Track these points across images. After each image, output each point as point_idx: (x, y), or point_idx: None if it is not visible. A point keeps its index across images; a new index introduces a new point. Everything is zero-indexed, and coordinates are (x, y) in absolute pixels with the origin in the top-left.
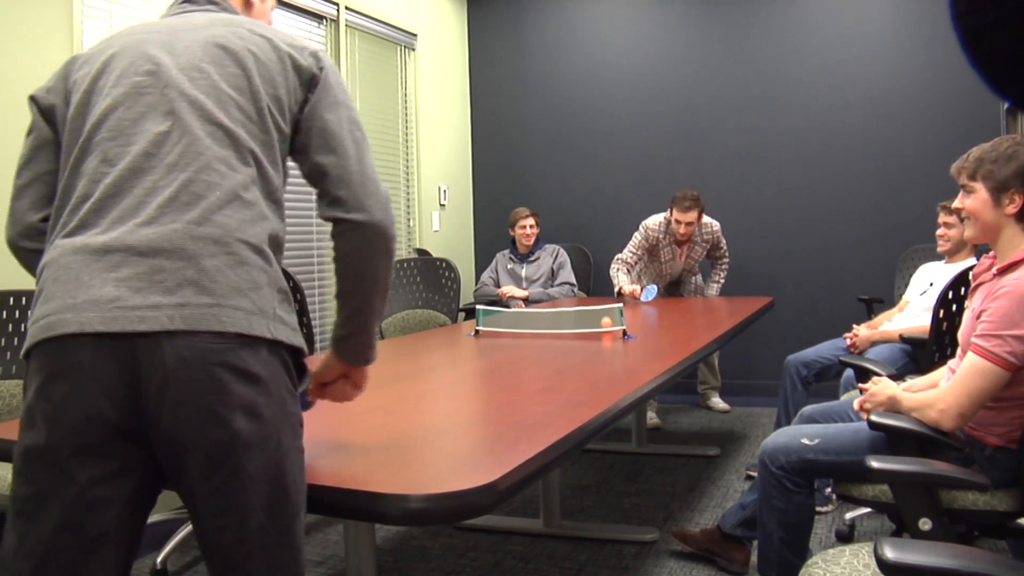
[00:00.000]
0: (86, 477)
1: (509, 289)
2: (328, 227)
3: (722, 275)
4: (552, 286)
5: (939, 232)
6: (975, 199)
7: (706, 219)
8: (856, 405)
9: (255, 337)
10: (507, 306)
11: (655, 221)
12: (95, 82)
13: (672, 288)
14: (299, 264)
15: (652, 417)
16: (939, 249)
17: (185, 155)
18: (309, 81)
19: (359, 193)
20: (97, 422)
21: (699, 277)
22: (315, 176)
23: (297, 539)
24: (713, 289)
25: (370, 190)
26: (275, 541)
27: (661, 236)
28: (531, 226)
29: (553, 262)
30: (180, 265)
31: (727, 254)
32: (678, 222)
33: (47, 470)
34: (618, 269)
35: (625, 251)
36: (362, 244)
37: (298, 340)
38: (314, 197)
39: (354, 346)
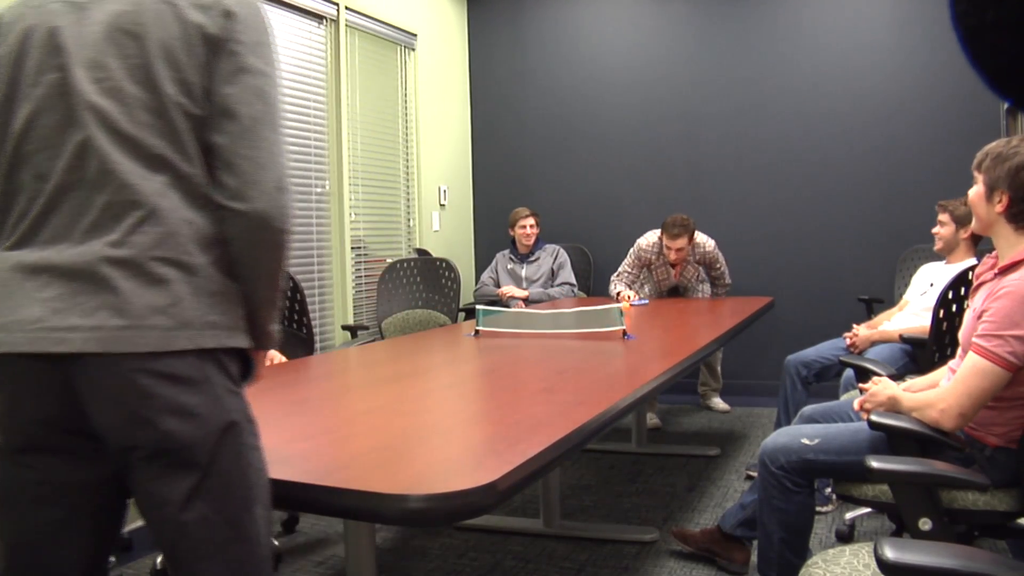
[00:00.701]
0: (40, 469)
1: (509, 289)
2: (328, 225)
3: (722, 292)
4: (552, 286)
5: (934, 230)
6: (975, 191)
7: (700, 238)
8: (856, 405)
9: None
10: (507, 306)
11: (648, 241)
12: (15, 71)
13: (673, 292)
14: (299, 263)
15: (652, 417)
16: (935, 248)
17: (101, 172)
18: (215, 47)
19: (244, 180)
20: (43, 424)
21: (707, 286)
22: (208, 157)
23: (251, 531)
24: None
25: (256, 177)
26: (225, 534)
27: (654, 257)
28: (531, 226)
29: (553, 262)
30: (98, 288)
31: (726, 275)
32: (668, 248)
33: (3, 465)
34: (615, 285)
35: (621, 268)
36: (244, 235)
37: (233, 340)
38: (313, 197)
39: (256, 328)
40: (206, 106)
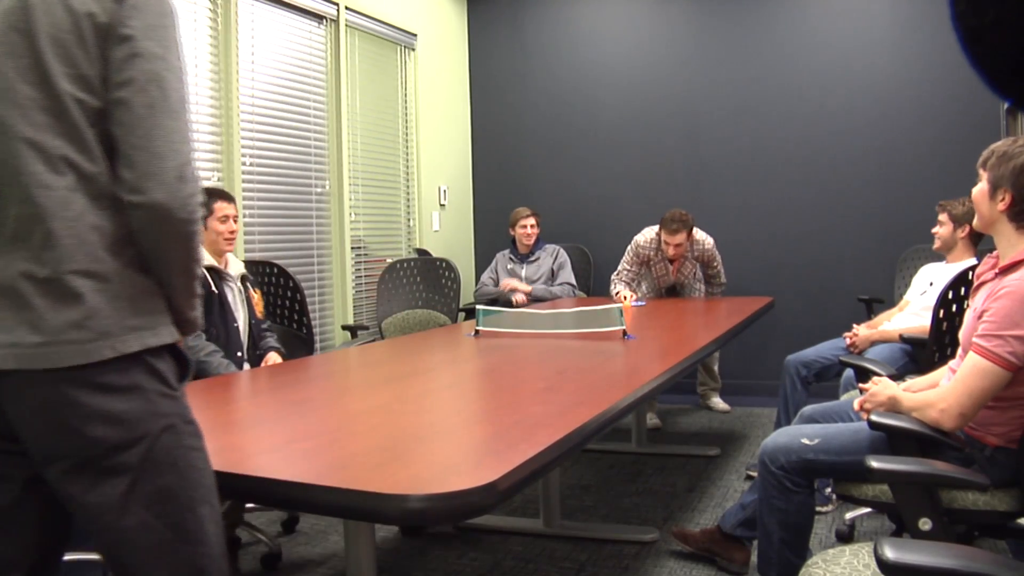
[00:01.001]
0: None
1: (512, 282)
2: (328, 225)
3: (717, 292)
4: (554, 284)
5: (933, 230)
6: (979, 188)
7: (699, 235)
8: (856, 406)
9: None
10: (509, 301)
11: (645, 238)
12: None
13: (671, 292)
14: (299, 263)
15: (652, 417)
16: (934, 247)
17: (10, 184)
18: (106, 35)
19: (140, 172)
20: None
21: (703, 285)
22: (111, 151)
23: (197, 533)
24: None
25: (153, 168)
26: (168, 538)
27: (652, 253)
28: (532, 226)
29: (553, 262)
30: (16, 305)
31: (721, 274)
32: (667, 243)
33: None
34: (615, 285)
35: (620, 267)
36: (147, 228)
37: (158, 338)
38: (313, 197)
39: (176, 313)
40: (104, 97)
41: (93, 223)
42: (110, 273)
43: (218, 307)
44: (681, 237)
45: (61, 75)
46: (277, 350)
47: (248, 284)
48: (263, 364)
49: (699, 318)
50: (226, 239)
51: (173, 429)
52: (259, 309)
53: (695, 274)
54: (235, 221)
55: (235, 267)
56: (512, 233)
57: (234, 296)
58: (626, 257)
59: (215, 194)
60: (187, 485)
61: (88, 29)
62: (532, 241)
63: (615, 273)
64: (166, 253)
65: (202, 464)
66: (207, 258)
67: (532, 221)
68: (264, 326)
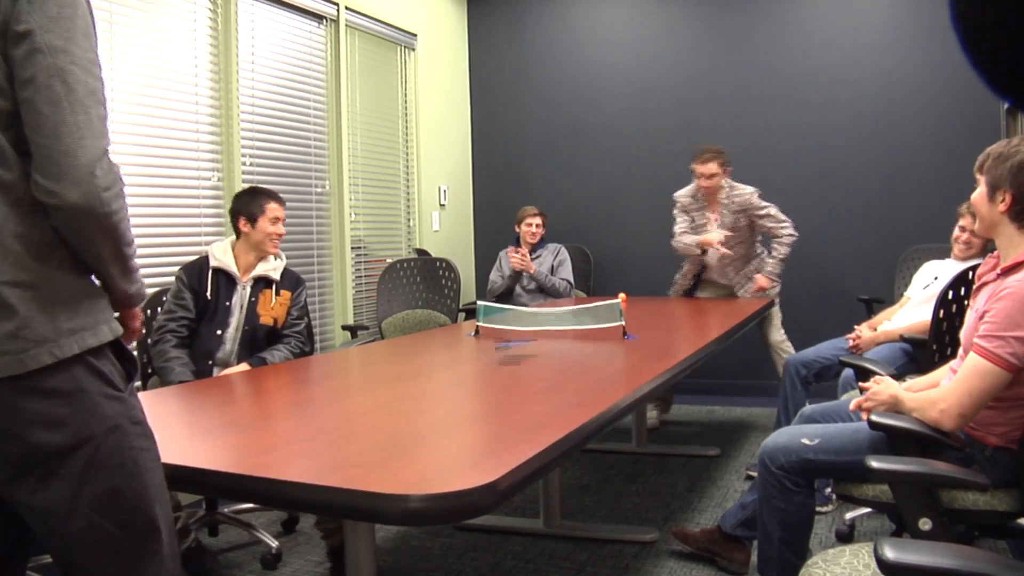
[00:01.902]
0: None
1: (522, 256)
2: (328, 225)
3: (781, 249)
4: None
5: (955, 234)
6: (978, 192)
7: (739, 185)
8: (853, 405)
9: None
10: (517, 275)
11: (684, 188)
12: None
13: (709, 287)
14: (299, 263)
15: (652, 417)
16: (957, 252)
17: None
18: (6, 33)
19: (51, 173)
20: None
21: (752, 266)
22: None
23: (145, 534)
24: (769, 265)
25: (64, 168)
26: (118, 539)
27: (690, 200)
28: (537, 225)
29: (553, 259)
30: None
31: (785, 224)
32: (699, 175)
33: None
34: (681, 240)
35: (676, 230)
36: (69, 227)
37: (98, 336)
38: (313, 197)
39: (116, 291)
40: (13, 99)
41: (15, 231)
42: (39, 280)
43: (210, 313)
44: (714, 167)
45: None
46: (261, 360)
47: (268, 289)
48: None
49: (699, 318)
50: (274, 243)
51: (119, 430)
52: (268, 316)
53: (748, 240)
54: (284, 224)
55: (259, 270)
56: (517, 230)
57: (236, 302)
58: (675, 218)
59: (266, 195)
60: (136, 486)
61: None
62: (536, 240)
63: (674, 239)
64: (94, 248)
65: (151, 464)
66: (222, 260)
67: (538, 220)
68: (287, 331)
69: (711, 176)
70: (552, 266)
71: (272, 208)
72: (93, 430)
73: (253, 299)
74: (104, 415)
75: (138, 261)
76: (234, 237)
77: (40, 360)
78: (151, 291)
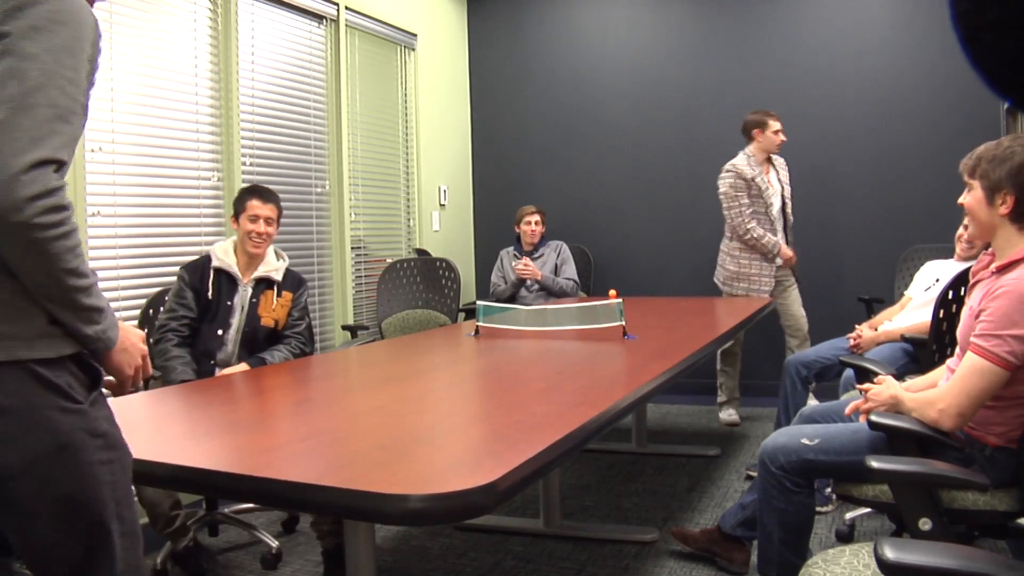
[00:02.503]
0: None
1: (526, 265)
2: (328, 225)
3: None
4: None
5: (959, 232)
6: (972, 197)
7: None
8: (850, 409)
9: None
10: (522, 282)
11: (736, 163)
12: None
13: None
14: (299, 263)
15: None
16: (960, 251)
17: None
18: None
19: None
20: None
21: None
22: None
23: (109, 549)
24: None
25: None
26: (79, 556)
27: (746, 168)
28: (536, 223)
29: (556, 258)
30: None
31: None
32: (778, 133)
33: None
34: (760, 225)
35: (741, 213)
36: None
37: (34, 350)
38: (313, 197)
39: (71, 331)
40: None
41: None
42: None
43: (211, 313)
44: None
45: None
46: (260, 360)
47: (270, 290)
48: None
49: (699, 318)
50: (253, 241)
51: (72, 447)
52: (270, 317)
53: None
54: (269, 224)
55: (259, 271)
56: (517, 230)
57: (237, 303)
58: (736, 200)
59: (252, 192)
60: (94, 502)
61: None
62: (537, 239)
63: (744, 222)
64: (15, 263)
65: (110, 478)
66: (223, 260)
67: (537, 218)
68: (288, 331)
69: (782, 132)
70: (556, 265)
71: (252, 206)
72: (45, 446)
73: (255, 300)
74: (57, 431)
75: (104, 288)
76: (234, 239)
77: None
78: (151, 291)
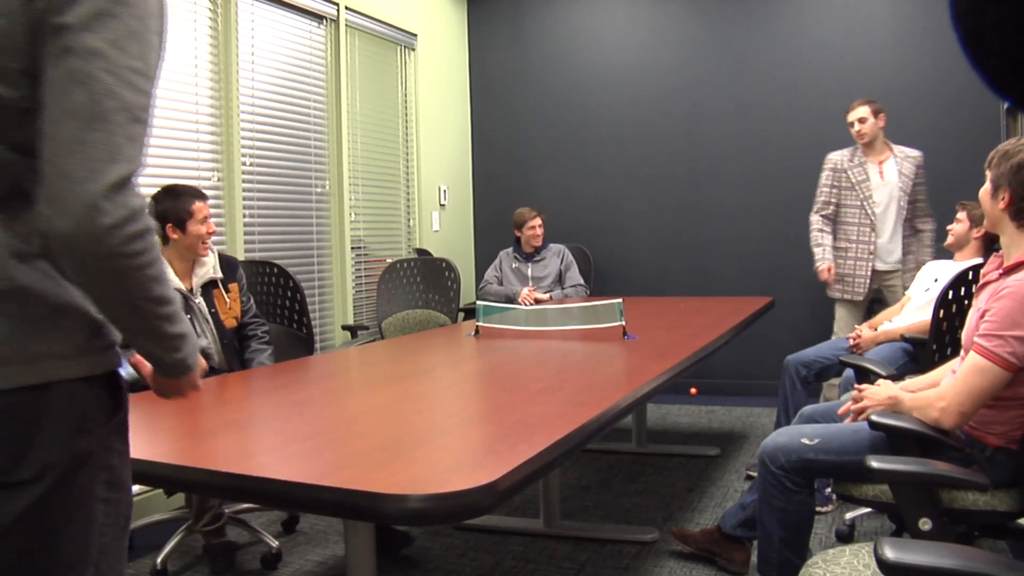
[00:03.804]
0: None
1: (530, 292)
2: (328, 225)
3: (928, 237)
4: (565, 287)
5: (948, 226)
6: (984, 188)
7: (907, 149)
8: (842, 411)
9: None
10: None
11: (838, 151)
12: None
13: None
14: (299, 263)
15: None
16: (945, 243)
17: None
18: (37, 22)
19: (47, 194)
20: None
21: (925, 234)
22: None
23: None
24: (926, 252)
25: (60, 191)
26: None
27: (844, 159)
28: (539, 226)
29: (561, 263)
30: None
31: (927, 209)
32: (849, 124)
33: None
34: (820, 230)
35: (815, 203)
36: (61, 259)
37: (75, 371)
38: (313, 197)
39: (145, 356)
40: (28, 96)
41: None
42: (12, 290)
43: None
44: (863, 111)
45: None
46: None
47: (217, 289)
48: None
49: (699, 318)
50: (205, 244)
51: (77, 472)
52: (229, 317)
53: (917, 207)
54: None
55: (200, 276)
56: (518, 234)
57: (198, 317)
58: (817, 189)
59: (190, 194)
60: (80, 542)
61: (17, 14)
62: (540, 241)
63: (813, 211)
64: (94, 295)
65: (102, 519)
66: (171, 280)
67: (539, 221)
68: (250, 332)
69: (862, 120)
70: (560, 270)
71: (200, 208)
72: (54, 463)
73: (212, 309)
74: (70, 449)
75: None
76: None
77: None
78: None
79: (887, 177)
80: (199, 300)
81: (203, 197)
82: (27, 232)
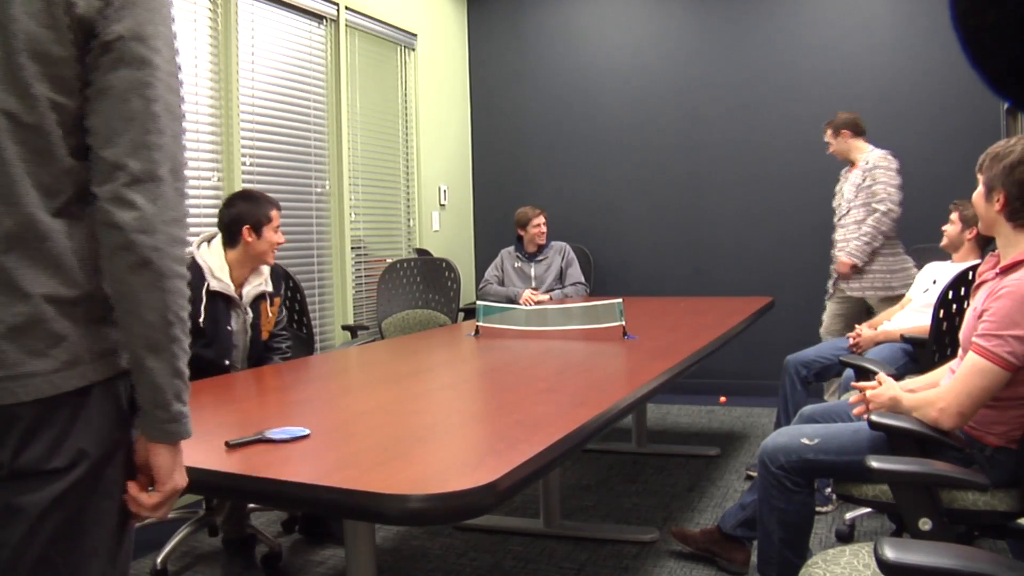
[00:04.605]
0: None
1: (531, 296)
2: (328, 225)
3: (865, 228)
4: (566, 286)
5: (943, 227)
6: (977, 192)
7: (874, 154)
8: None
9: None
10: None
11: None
12: None
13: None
14: (299, 263)
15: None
16: (940, 244)
17: None
18: (86, 33)
19: (109, 192)
20: None
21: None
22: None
23: None
24: (851, 244)
25: (120, 187)
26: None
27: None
28: (543, 224)
29: (562, 261)
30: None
31: (882, 199)
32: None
33: None
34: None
35: (892, 202)
36: (116, 257)
37: (104, 371)
38: (313, 197)
39: (146, 397)
40: (81, 102)
41: (69, 246)
42: (83, 296)
43: (206, 340)
44: (826, 134)
45: (34, 76)
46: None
47: (264, 302)
48: None
49: (699, 318)
50: (274, 253)
51: (107, 466)
52: (267, 329)
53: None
54: None
55: (254, 286)
56: (521, 233)
57: (237, 326)
58: (891, 181)
59: (269, 201)
60: (98, 536)
61: (65, 24)
62: (544, 240)
63: (888, 212)
64: (136, 293)
65: (109, 521)
66: (222, 281)
67: (543, 219)
68: (275, 344)
69: (827, 143)
70: (561, 268)
71: (276, 216)
72: (90, 452)
73: (256, 320)
74: (105, 441)
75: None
76: (219, 243)
77: (71, 383)
78: None
79: (846, 189)
80: (249, 312)
81: (279, 207)
82: (86, 237)
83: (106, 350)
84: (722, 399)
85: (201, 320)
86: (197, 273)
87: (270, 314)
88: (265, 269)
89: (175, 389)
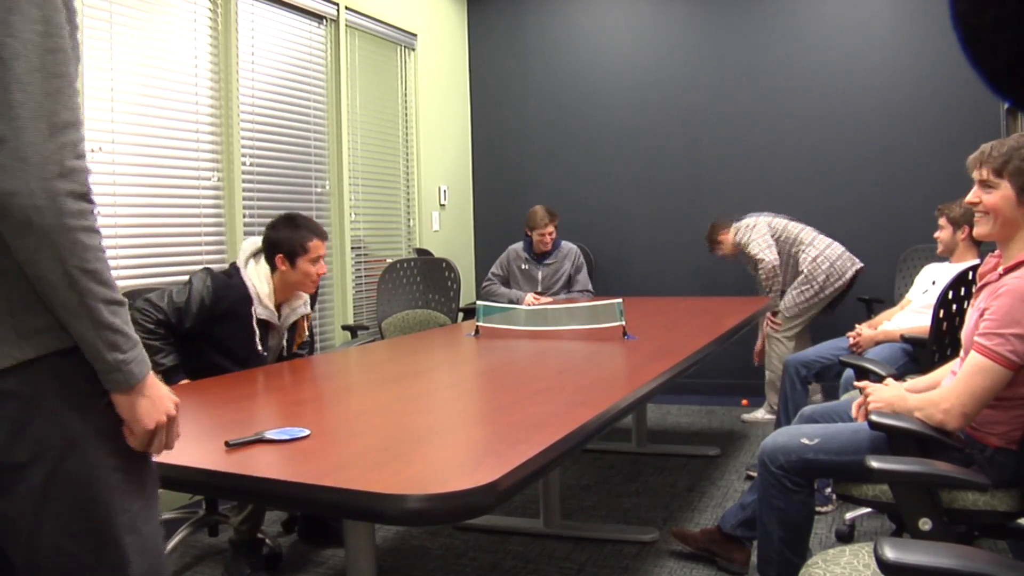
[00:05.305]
0: None
1: (534, 300)
2: (328, 225)
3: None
4: (572, 292)
5: (935, 235)
6: (997, 195)
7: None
8: (855, 410)
9: None
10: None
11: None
12: None
13: None
14: None
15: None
16: (937, 251)
17: None
18: None
19: None
20: None
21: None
22: None
23: (114, 566)
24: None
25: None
26: (86, 562)
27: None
28: (549, 235)
29: (571, 266)
30: None
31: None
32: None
33: None
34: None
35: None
36: (3, 223)
37: (62, 341)
38: (313, 197)
39: (89, 355)
40: None
41: None
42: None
43: (240, 358)
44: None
45: None
46: None
47: (301, 322)
48: None
49: (699, 318)
50: (314, 283)
51: (79, 446)
52: (297, 344)
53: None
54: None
55: (293, 309)
56: (529, 234)
57: (271, 346)
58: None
59: (310, 229)
60: (106, 511)
61: None
62: (550, 247)
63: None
64: (25, 257)
65: (126, 486)
66: (268, 309)
67: (551, 230)
68: (297, 351)
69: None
70: (570, 273)
71: (315, 246)
72: (52, 443)
73: (289, 338)
74: (65, 427)
75: (125, 296)
76: (266, 266)
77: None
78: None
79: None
80: (284, 336)
81: (323, 236)
82: None
83: (34, 329)
84: (744, 402)
85: (259, 346)
86: (245, 297)
87: (305, 333)
88: (306, 296)
89: (105, 340)
